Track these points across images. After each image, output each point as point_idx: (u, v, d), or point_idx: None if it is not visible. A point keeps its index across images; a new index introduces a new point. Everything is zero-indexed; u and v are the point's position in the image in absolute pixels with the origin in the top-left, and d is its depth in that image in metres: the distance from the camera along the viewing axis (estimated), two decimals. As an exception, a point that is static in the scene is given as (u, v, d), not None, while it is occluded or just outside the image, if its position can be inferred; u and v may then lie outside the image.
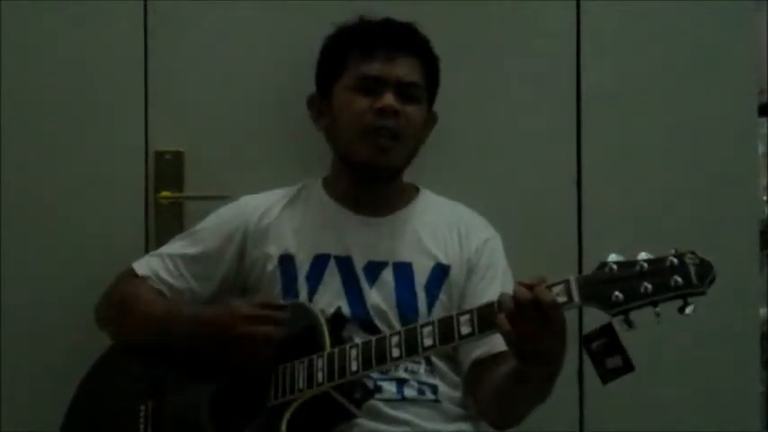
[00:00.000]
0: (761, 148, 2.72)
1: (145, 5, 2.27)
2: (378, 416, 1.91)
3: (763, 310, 2.70)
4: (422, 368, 1.97)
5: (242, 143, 2.29)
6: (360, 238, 2.04)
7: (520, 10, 2.32)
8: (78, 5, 2.26)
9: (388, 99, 1.98)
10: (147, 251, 2.23)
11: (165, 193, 2.28)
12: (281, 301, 1.99)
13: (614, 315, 1.60)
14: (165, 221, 2.27)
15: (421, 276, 2.01)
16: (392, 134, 1.98)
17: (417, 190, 2.13)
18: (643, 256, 1.60)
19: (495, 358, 1.88)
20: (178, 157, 2.28)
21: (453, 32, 2.27)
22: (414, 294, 1.99)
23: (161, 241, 2.21)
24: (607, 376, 1.63)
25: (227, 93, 2.29)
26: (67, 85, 2.26)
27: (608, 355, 1.62)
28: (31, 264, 2.26)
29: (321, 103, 2.08)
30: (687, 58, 2.35)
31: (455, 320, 1.72)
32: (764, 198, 3.02)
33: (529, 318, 1.61)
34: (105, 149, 2.27)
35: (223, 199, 2.18)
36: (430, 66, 2.07)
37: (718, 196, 2.33)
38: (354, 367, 1.79)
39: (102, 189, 2.27)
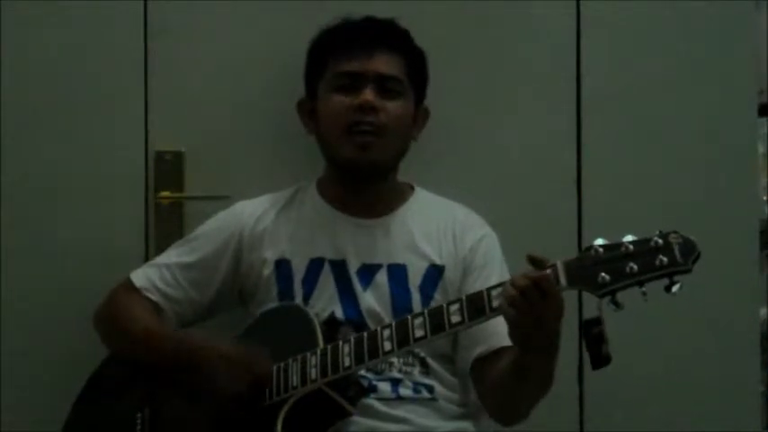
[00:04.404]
0: (761, 148, 2.72)
1: (145, 5, 2.27)
2: (374, 414, 1.92)
3: (763, 310, 2.70)
4: (416, 370, 1.97)
5: (242, 143, 2.29)
6: (354, 241, 2.03)
7: (520, 10, 2.32)
8: (78, 5, 2.26)
9: (366, 94, 1.97)
10: (146, 251, 2.24)
11: (165, 193, 2.27)
12: (276, 303, 2.00)
13: (601, 296, 1.61)
14: (165, 221, 2.27)
15: (415, 278, 2.00)
16: (373, 130, 1.98)
17: (412, 189, 2.12)
18: (628, 238, 1.61)
19: (496, 354, 1.89)
20: (178, 157, 2.28)
21: (453, 32, 2.27)
22: (409, 296, 1.99)
23: (161, 241, 2.21)
24: (599, 362, 1.64)
25: (228, 93, 2.29)
26: (68, 85, 2.26)
27: (603, 342, 1.63)
28: (31, 264, 2.26)
29: (309, 106, 2.08)
30: (687, 58, 2.35)
31: (445, 310, 1.73)
32: (764, 198, 3.02)
33: (529, 297, 1.63)
34: (105, 149, 2.27)
35: (223, 199, 2.18)
36: (413, 60, 2.06)
37: (718, 196, 2.33)
38: (347, 362, 1.80)
39: (102, 189, 2.27)
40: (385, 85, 2.00)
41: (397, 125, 2.01)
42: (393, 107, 2.00)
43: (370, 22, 2.06)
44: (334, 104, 2.00)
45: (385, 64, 2.00)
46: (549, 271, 1.65)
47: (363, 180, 2.04)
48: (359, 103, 1.97)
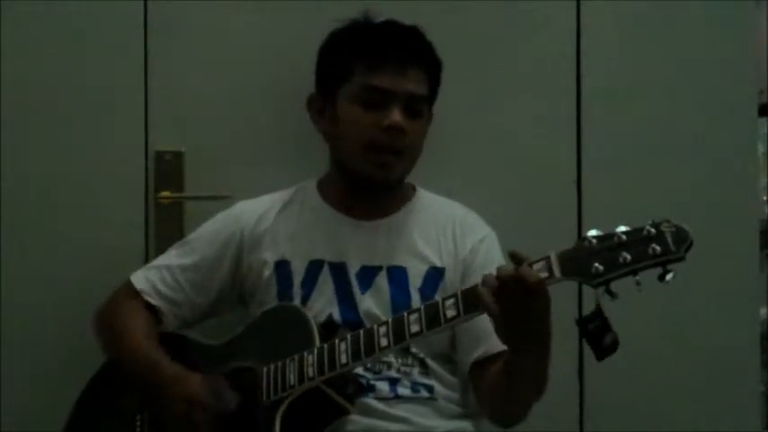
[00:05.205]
0: (761, 148, 2.72)
1: (145, 5, 2.27)
2: (372, 413, 1.91)
3: (763, 310, 2.70)
4: (415, 370, 1.97)
5: (242, 143, 2.29)
6: (354, 243, 2.03)
7: (520, 10, 2.32)
8: (78, 5, 2.26)
9: (396, 116, 1.95)
10: (146, 251, 2.24)
11: (165, 193, 2.27)
12: (275, 303, 2.01)
13: (596, 287, 1.60)
14: (165, 221, 2.27)
15: (416, 280, 2.00)
16: (396, 151, 1.97)
17: (414, 189, 2.12)
18: (621, 228, 1.61)
19: (493, 358, 1.88)
20: (178, 157, 2.28)
21: (453, 32, 2.26)
22: (409, 298, 1.98)
23: (161, 241, 2.21)
24: (603, 354, 1.64)
25: (227, 93, 2.29)
26: (67, 85, 2.26)
27: (603, 335, 1.63)
28: (31, 264, 2.26)
29: (322, 106, 2.06)
30: (687, 58, 2.35)
31: (440, 305, 1.73)
32: (764, 198, 3.02)
33: (513, 294, 1.62)
34: (105, 149, 2.27)
35: (223, 199, 2.18)
36: (435, 74, 2.05)
37: (718, 196, 2.33)
38: (344, 360, 1.79)
39: (102, 189, 2.27)
40: (412, 106, 1.98)
41: (417, 144, 2.02)
42: (416, 127, 1.99)
43: (398, 32, 2.03)
44: (359, 118, 1.97)
45: (415, 82, 1.98)
46: (542, 263, 1.64)
47: (374, 192, 2.04)
48: (388, 124, 1.95)
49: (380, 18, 2.06)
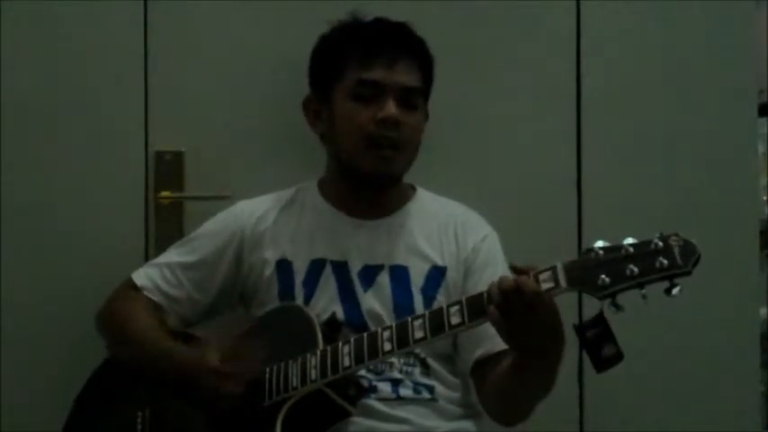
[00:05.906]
0: (761, 148, 2.72)
1: (145, 5, 2.27)
2: (374, 414, 1.91)
3: (763, 310, 2.70)
4: (417, 370, 1.97)
5: (242, 143, 2.29)
6: (356, 242, 2.03)
7: (520, 10, 2.32)
8: (78, 5, 2.26)
9: (390, 109, 1.95)
10: (147, 251, 2.24)
11: (165, 193, 2.28)
12: (277, 303, 2.00)
13: (602, 298, 1.60)
14: (165, 221, 2.27)
15: (417, 279, 2.00)
16: (394, 144, 1.97)
17: (414, 189, 2.12)
18: (629, 240, 1.61)
19: (496, 357, 1.88)
20: (178, 157, 2.28)
21: (454, 33, 2.27)
22: (410, 297, 1.99)
23: (161, 241, 2.21)
24: (602, 365, 1.63)
25: (227, 93, 2.29)
26: (68, 84, 2.26)
27: (603, 344, 1.62)
28: (31, 264, 2.26)
29: (318, 107, 2.06)
30: (687, 58, 2.35)
31: (445, 311, 1.72)
32: (764, 198, 3.02)
33: (515, 307, 1.62)
34: (105, 149, 2.27)
35: (223, 199, 2.18)
36: (427, 69, 2.05)
37: (718, 196, 2.33)
38: (347, 363, 1.79)
39: (102, 189, 2.27)
40: (406, 98, 1.98)
41: (415, 138, 2.01)
42: (412, 120, 1.99)
43: (388, 27, 2.04)
44: (354, 114, 1.98)
45: (407, 75, 1.99)
46: (548, 273, 1.64)
47: (376, 189, 2.04)
48: (383, 117, 1.96)
49: (370, 17, 2.07)
